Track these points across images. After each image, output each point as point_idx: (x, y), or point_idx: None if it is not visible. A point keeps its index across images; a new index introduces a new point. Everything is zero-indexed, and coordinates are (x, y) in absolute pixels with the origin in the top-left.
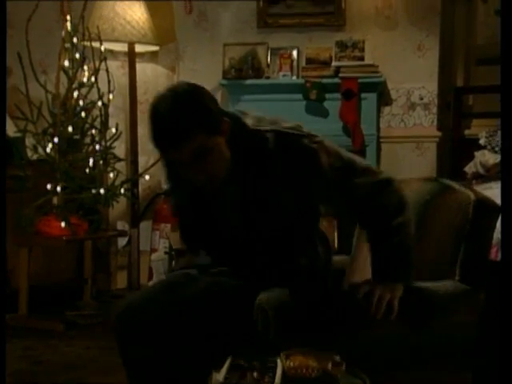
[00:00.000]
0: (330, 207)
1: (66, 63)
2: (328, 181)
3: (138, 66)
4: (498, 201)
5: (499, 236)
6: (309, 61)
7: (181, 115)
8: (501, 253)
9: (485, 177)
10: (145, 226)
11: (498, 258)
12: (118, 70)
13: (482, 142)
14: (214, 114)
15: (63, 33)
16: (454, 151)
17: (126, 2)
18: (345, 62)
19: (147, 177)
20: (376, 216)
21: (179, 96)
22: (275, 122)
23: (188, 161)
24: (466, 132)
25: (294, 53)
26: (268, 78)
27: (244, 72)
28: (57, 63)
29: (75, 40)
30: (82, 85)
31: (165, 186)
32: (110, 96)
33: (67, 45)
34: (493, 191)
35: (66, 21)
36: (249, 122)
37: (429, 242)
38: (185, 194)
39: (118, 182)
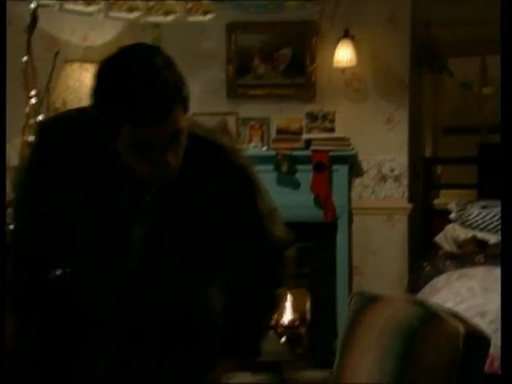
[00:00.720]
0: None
1: (30, 139)
2: (254, 218)
3: None
4: (475, 297)
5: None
6: (279, 131)
7: (163, 78)
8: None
9: (459, 258)
10: None
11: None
12: None
13: (452, 216)
14: (186, 84)
15: (27, 109)
16: (423, 221)
17: (93, 72)
18: (316, 134)
19: None
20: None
21: (151, 55)
22: (213, 132)
23: (162, 142)
24: (436, 201)
25: (265, 124)
26: None
27: None
28: (20, 131)
29: (40, 118)
30: None
31: None
32: None
33: (31, 121)
34: (467, 281)
35: (31, 96)
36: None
37: (417, 376)
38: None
39: None
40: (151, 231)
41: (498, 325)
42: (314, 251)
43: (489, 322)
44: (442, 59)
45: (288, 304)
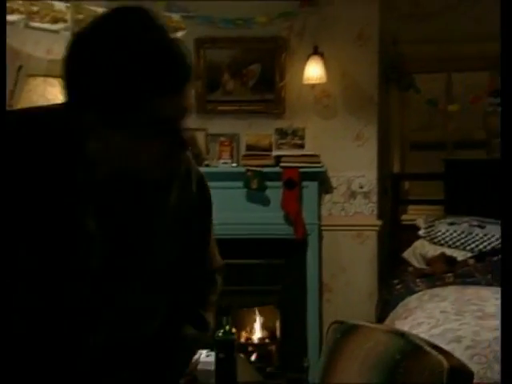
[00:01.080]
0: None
1: None
2: (207, 232)
3: None
4: (449, 320)
5: None
6: (249, 147)
7: (175, 38)
8: None
9: (428, 276)
10: None
11: None
12: None
13: (421, 232)
14: None
15: None
16: (392, 237)
17: (57, 87)
18: (285, 151)
19: None
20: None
21: (149, 14)
22: None
23: (181, 116)
24: (404, 217)
25: (234, 140)
26: (208, 165)
27: None
28: None
29: None
30: None
31: None
32: None
33: None
34: (440, 302)
35: None
36: None
37: None
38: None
39: None
40: (115, 248)
41: (474, 351)
42: (284, 268)
43: (465, 347)
44: (408, 76)
45: (257, 321)
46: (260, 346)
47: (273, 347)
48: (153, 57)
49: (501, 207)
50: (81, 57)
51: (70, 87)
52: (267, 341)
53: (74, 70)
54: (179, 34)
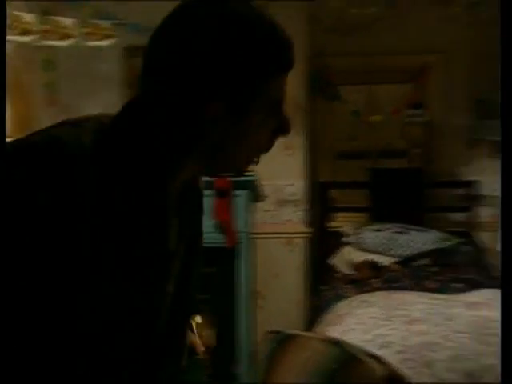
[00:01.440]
0: None
1: None
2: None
3: None
4: (378, 326)
5: None
6: None
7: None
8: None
9: (356, 282)
10: None
11: None
12: None
13: (348, 239)
14: None
15: None
16: (320, 244)
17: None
18: None
19: None
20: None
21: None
22: None
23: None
24: (332, 224)
25: None
26: None
27: None
28: None
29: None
30: None
31: None
32: None
33: None
34: (369, 308)
35: None
36: None
37: None
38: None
39: None
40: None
41: (404, 356)
42: (216, 277)
43: (395, 352)
44: (334, 87)
45: (189, 331)
46: (192, 356)
47: (204, 355)
48: (269, 39)
49: (501, 207)
50: (201, 47)
51: (186, 80)
52: (202, 349)
53: (191, 61)
54: (108, 42)
